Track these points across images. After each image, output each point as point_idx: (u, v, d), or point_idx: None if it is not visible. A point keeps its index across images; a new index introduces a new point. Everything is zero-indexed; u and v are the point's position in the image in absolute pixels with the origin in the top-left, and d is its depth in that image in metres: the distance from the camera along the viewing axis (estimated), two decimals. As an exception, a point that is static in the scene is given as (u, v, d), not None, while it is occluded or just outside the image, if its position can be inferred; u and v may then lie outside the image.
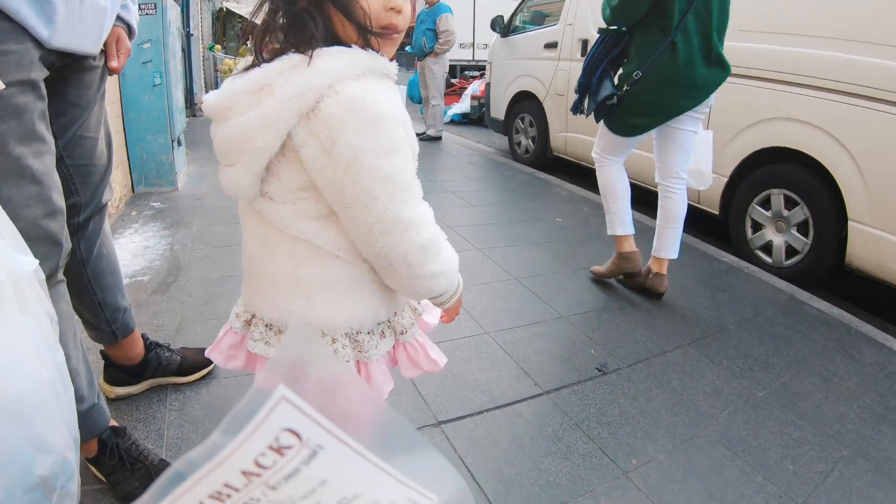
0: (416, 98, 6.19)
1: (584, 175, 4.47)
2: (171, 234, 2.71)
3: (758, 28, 2.85)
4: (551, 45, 4.54)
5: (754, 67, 2.85)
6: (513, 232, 3.06)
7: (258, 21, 0.72)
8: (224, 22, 9.91)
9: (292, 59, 0.67)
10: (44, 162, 0.92)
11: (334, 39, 0.70)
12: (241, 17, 9.42)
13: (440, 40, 5.44)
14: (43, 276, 0.76)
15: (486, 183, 4.31)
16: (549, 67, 4.56)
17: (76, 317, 1.21)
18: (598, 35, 2.30)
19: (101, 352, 1.44)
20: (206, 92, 6.27)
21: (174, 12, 3.72)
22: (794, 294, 2.49)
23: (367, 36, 0.70)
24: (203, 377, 1.58)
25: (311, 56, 0.66)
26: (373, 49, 0.71)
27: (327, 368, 0.44)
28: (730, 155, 3.00)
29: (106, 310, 1.32)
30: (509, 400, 1.60)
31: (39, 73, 0.90)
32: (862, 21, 2.40)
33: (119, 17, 1.14)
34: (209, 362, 1.60)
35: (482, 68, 8.96)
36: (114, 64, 1.15)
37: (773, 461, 1.43)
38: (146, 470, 1.17)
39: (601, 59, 2.24)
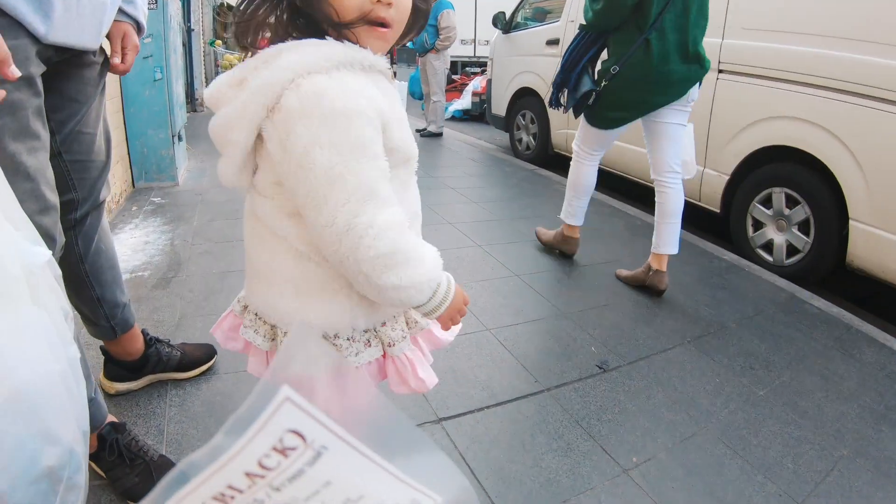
0: (416, 94, 6.18)
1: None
2: (172, 230, 2.70)
3: (760, 26, 2.84)
4: (553, 42, 4.52)
5: (756, 66, 2.84)
6: (514, 228, 3.06)
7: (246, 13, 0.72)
8: (225, 17, 9.89)
9: (266, 53, 0.67)
10: (37, 158, 0.92)
11: (326, 31, 0.69)
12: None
13: (441, 36, 5.42)
14: (59, 271, 0.76)
15: (486, 179, 4.30)
16: (551, 64, 4.53)
17: (75, 312, 1.21)
18: (578, 31, 2.34)
19: (101, 347, 1.44)
20: (207, 87, 6.28)
21: (175, 7, 3.70)
22: (795, 293, 2.49)
23: (340, 29, 0.68)
24: (203, 373, 1.58)
25: (280, 50, 0.66)
26: (350, 41, 0.68)
27: (330, 367, 0.43)
28: (731, 153, 3.00)
29: (105, 305, 1.32)
30: (510, 397, 1.60)
31: (36, 69, 0.90)
32: (864, 20, 2.39)
33: (126, 13, 1.13)
34: (209, 358, 1.60)
35: (483, 65, 8.96)
36: (116, 60, 1.14)
37: (774, 460, 1.43)
38: (146, 466, 1.17)
39: (581, 55, 2.29)
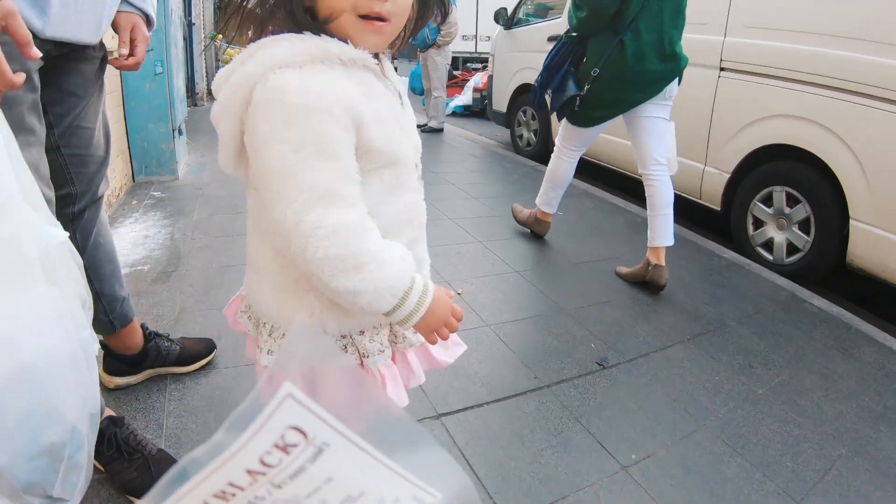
0: (418, 90, 6.16)
1: (585, 169, 4.45)
2: (172, 224, 2.70)
3: (762, 24, 2.83)
4: (554, 38, 4.50)
5: (757, 64, 2.83)
6: (514, 224, 3.05)
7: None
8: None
9: (250, 48, 0.67)
10: (31, 153, 0.91)
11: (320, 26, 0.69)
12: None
13: (443, 32, 5.40)
14: (81, 260, 0.77)
15: (487, 175, 4.30)
16: (553, 60, 4.53)
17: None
18: (562, 36, 2.43)
19: (101, 341, 1.44)
20: (207, 81, 6.28)
21: (176, 1, 3.68)
22: (795, 291, 2.49)
23: (322, 25, 0.67)
24: (203, 367, 1.58)
25: (261, 45, 0.66)
26: (331, 36, 0.66)
27: (330, 363, 0.43)
28: (732, 151, 2.99)
29: (104, 299, 1.31)
30: (509, 393, 1.60)
31: (33, 64, 0.89)
32: (866, 19, 2.38)
33: (133, 5, 1.13)
34: (209, 352, 1.60)
35: (485, 60, 8.92)
36: (125, 51, 1.12)
37: (772, 458, 1.44)
38: (144, 460, 1.17)
39: (563, 59, 2.39)
